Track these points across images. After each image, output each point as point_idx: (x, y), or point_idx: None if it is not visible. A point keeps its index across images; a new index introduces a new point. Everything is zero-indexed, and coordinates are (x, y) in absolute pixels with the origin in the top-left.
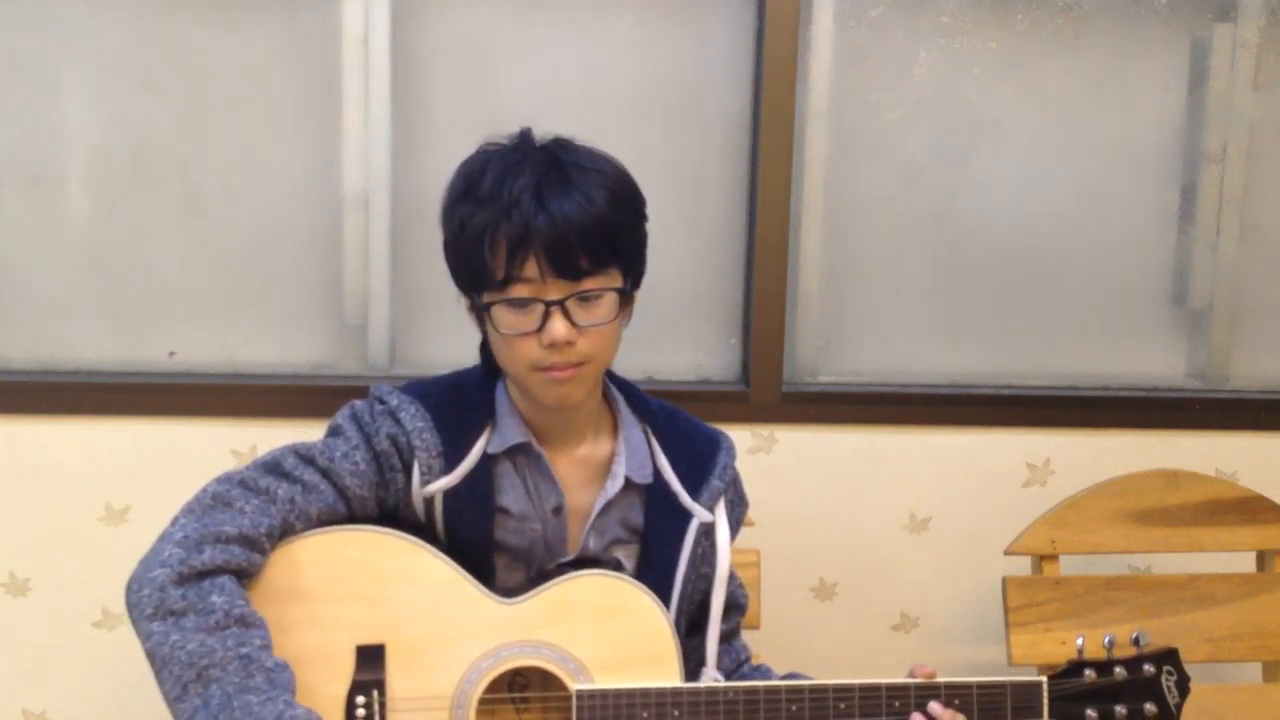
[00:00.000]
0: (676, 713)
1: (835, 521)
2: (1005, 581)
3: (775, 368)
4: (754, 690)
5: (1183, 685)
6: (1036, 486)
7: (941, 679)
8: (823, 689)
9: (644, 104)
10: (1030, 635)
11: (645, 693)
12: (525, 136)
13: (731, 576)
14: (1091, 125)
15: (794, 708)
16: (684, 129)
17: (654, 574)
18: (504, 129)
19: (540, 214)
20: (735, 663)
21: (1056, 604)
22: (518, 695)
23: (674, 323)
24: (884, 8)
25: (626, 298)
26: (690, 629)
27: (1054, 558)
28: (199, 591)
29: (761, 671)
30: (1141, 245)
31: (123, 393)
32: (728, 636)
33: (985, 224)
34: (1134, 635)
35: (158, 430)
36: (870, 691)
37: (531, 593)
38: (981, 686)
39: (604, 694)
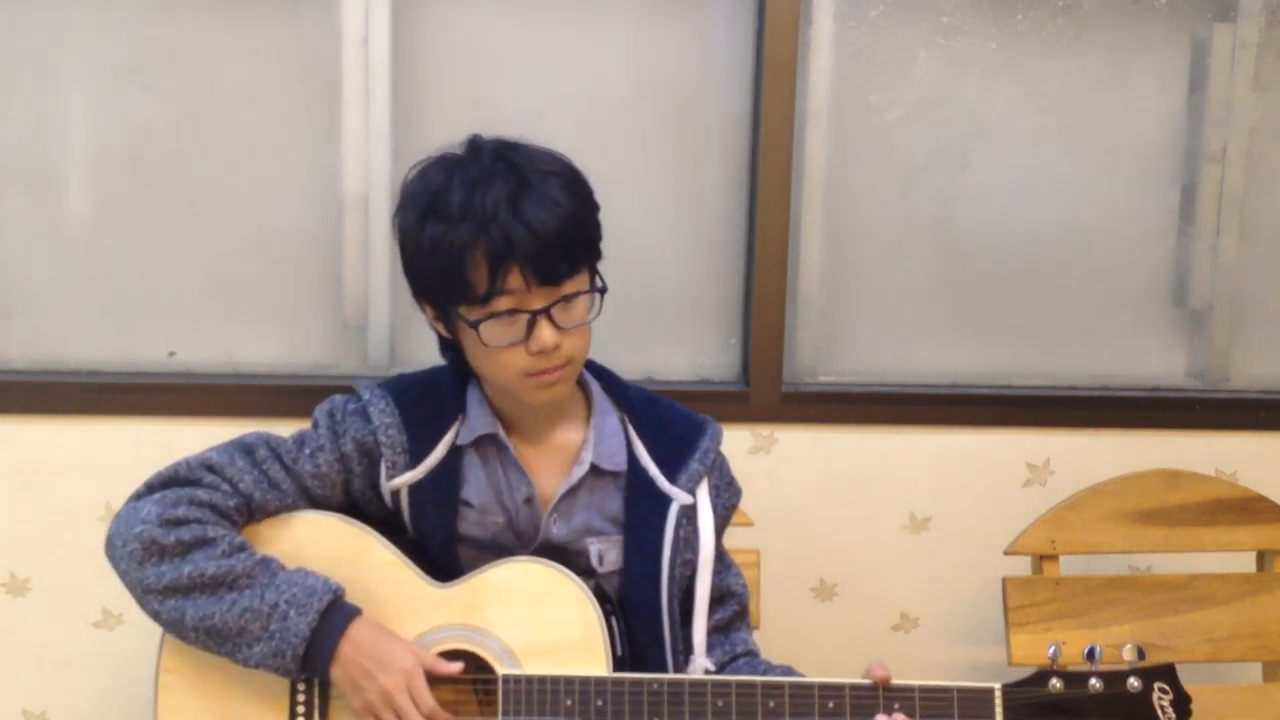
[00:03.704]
0: (600, 702)
1: (835, 521)
2: (1005, 581)
3: (775, 368)
4: (679, 683)
5: (1182, 706)
6: (1036, 486)
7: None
8: (750, 685)
9: (644, 104)
10: (1030, 635)
11: (570, 680)
12: (475, 146)
13: (729, 565)
14: (1091, 125)
15: (720, 703)
16: (684, 129)
17: (640, 562)
18: (504, 129)
19: (518, 225)
20: (730, 655)
21: (1056, 604)
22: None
23: (674, 323)
24: (884, 8)
25: (597, 294)
26: (684, 618)
27: (1054, 558)
28: (190, 530)
29: (750, 662)
30: (1141, 245)
31: (123, 393)
32: (724, 627)
33: (985, 224)
34: (1129, 646)
35: (158, 430)
36: (802, 690)
37: (465, 577)
38: (925, 691)
39: (529, 680)
